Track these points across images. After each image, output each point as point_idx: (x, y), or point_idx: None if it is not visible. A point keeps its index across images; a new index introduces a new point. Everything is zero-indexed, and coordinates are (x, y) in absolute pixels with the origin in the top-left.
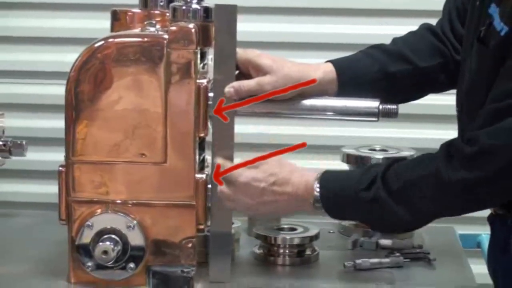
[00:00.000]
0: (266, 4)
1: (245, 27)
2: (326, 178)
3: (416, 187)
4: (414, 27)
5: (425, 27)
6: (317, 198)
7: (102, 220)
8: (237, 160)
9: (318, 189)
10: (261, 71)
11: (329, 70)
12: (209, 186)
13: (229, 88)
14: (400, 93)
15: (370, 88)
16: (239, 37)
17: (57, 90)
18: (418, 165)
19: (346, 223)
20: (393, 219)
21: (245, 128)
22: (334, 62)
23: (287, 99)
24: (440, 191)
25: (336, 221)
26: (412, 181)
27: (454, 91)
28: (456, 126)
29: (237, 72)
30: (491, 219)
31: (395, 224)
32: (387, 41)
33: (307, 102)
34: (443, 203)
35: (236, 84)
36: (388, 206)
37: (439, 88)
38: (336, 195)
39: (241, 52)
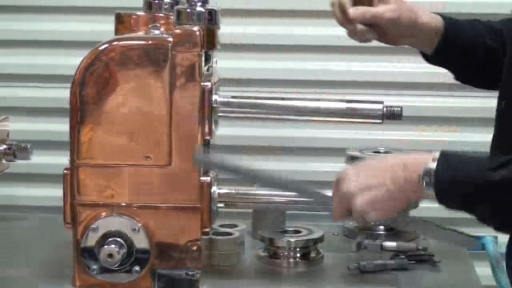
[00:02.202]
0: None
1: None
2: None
3: None
4: None
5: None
6: (428, 170)
7: (107, 223)
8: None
9: (434, 159)
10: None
11: (439, 20)
12: (213, 189)
13: (355, 10)
14: (489, 70)
15: (469, 54)
16: (252, 42)
17: (61, 93)
18: None
19: (350, 225)
20: None
21: (248, 131)
22: (442, 15)
23: (292, 102)
24: None
25: (340, 223)
26: None
27: (453, 93)
28: (456, 129)
29: None
30: None
31: None
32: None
33: (312, 104)
34: None
35: (362, 7)
36: None
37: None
38: (455, 171)
39: None
